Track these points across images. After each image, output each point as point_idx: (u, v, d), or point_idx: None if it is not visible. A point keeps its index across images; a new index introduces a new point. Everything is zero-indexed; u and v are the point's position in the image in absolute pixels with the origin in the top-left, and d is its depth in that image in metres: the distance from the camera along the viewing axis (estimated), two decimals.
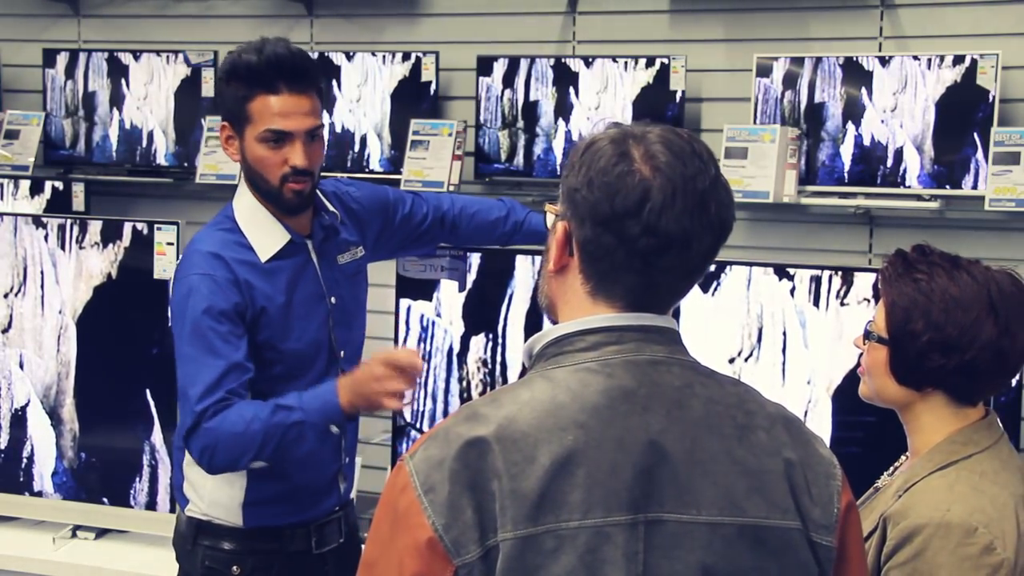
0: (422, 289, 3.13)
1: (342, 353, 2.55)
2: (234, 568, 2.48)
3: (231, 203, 2.51)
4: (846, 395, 2.65)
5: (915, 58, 3.58)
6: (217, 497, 2.49)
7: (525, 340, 3.05)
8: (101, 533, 3.52)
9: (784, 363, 2.80)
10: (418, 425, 3.12)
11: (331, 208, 2.58)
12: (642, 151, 1.39)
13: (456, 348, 3.16)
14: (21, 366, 3.57)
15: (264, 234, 2.46)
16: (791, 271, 2.82)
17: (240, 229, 2.46)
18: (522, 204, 2.92)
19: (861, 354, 2.03)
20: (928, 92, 3.57)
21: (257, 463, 2.36)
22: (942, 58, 3.53)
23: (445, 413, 3.04)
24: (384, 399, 2.32)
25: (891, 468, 2.07)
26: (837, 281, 2.77)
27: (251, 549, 2.49)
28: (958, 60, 3.51)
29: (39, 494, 3.55)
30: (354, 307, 2.62)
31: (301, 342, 2.47)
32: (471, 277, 3.06)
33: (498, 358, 3.11)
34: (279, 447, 2.32)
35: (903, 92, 3.60)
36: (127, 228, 3.45)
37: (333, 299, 2.53)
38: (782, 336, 2.82)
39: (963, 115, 3.53)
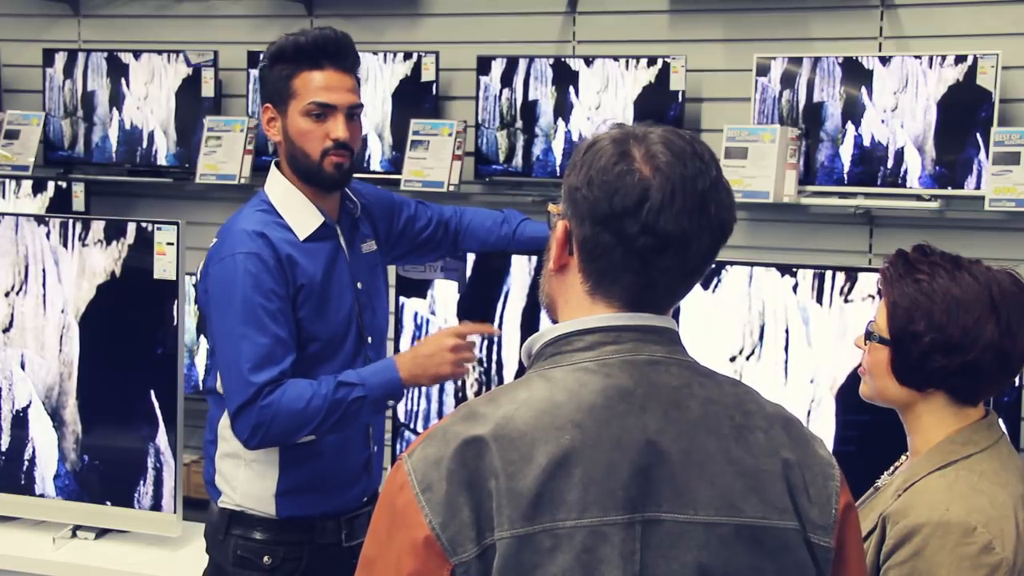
0: (417, 287, 3.13)
1: (369, 339, 2.61)
2: (265, 558, 2.51)
3: (263, 190, 2.57)
4: (850, 394, 2.65)
5: (916, 57, 3.58)
6: (250, 488, 2.52)
7: (521, 338, 3.07)
8: (101, 533, 3.51)
9: (786, 361, 2.80)
10: (412, 425, 3.12)
11: (353, 198, 2.64)
12: (643, 151, 1.40)
13: None
14: (23, 367, 3.57)
15: (300, 215, 2.51)
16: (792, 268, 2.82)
17: (276, 210, 2.51)
18: (519, 212, 2.93)
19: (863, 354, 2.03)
20: (929, 91, 3.57)
21: (307, 437, 2.43)
22: (944, 57, 3.53)
23: (440, 413, 3.04)
24: (452, 369, 2.48)
25: (891, 468, 2.07)
26: (841, 277, 2.76)
27: (282, 540, 2.52)
28: (960, 59, 3.51)
29: (41, 497, 3.54)
30: (377, 295, 2.68)
31: (335, 323, 2.52)
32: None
33: (494, 356, 3.11)
34: (338, 422, 2.42)
35: (904, 92, 3.60)
36: (131, 226, 3.45)
37: (360, 284, 2.59)
38: (784, 334, 2.81)
39: (964, 115, 3.53)
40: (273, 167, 2.58)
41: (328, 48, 2.48)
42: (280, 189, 2.54)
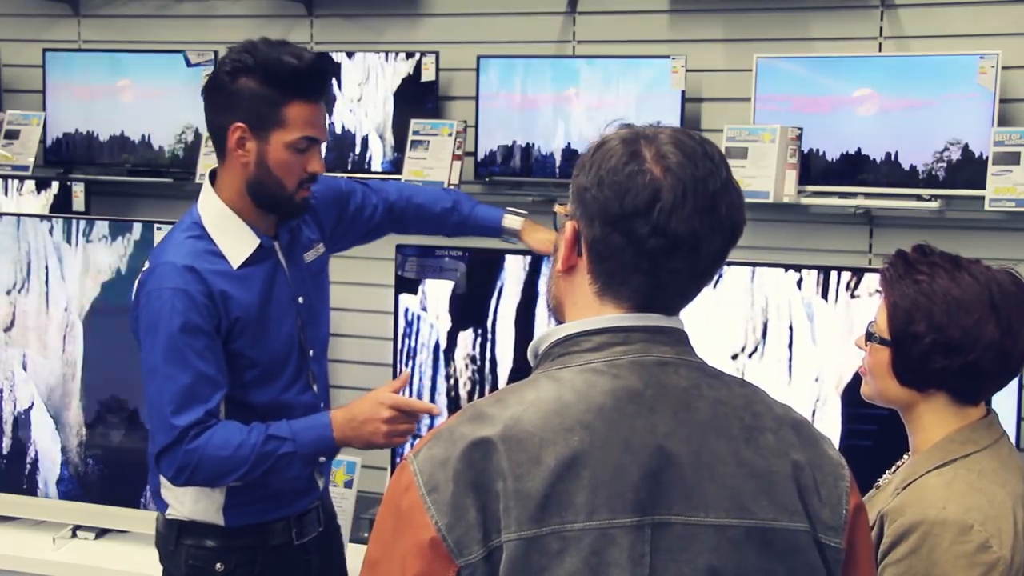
0: (407, 283, 3.12)
1: (311, 352, 2.56)
2: (218, 565, 2.48)
3: (195, 208, 2.46)
4: (856, 392, 2.65)
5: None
6: (196, 503, 2.49)
7: (516, 336, 3.06)
8: (101, 533, 3.52)
9: (791, 359, 2.79)
10: None
11: None
12: (653, 151, 1.39)
13: (443, 344, 3.15)
14: (24, 367, 3.56)
15: (234, 240, 2.42)
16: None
17: (209, 236, 2.42)
18: (469, 196, 2.91)
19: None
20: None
21: (235, 483, 2.40)
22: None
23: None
24: (385, 440, 2.39)
25: (893, 466, 2.07)
26: (846, 273, 2.75)
27: (234, 546, 2.49)
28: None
29: (42, 497, 3.54)
30: (319, 305, 2.62)
31: (275, 346, 2.47)
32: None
33: (487, 355, 3.10)
34: (265, 473, 2.36)
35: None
36: (136, 225, 3.45)
37: (301, 299, 2.53)
38: (788, 331, 2.80)
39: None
40: (208, 186, 2.47)
41: (326, 80, 2.44)
42: (214, 212, 2.43)
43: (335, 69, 2.45)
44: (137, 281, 2.44)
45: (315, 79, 2.38)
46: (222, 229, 2.42)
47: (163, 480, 2.50)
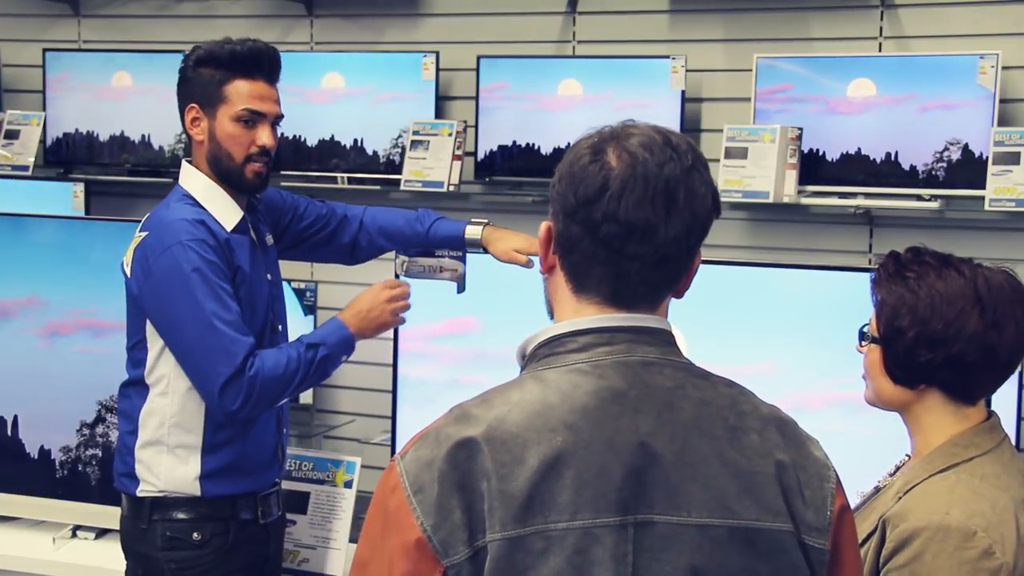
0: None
1: (279, 327, 2.74)
2: (194, 535, 2.60)
3: (179, 185, 2.67)
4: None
5: None
6: (172, 473, 2.60)
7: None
8: (101, 533, 3.51)
9: (790, 360, 2.79)
10: None
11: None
12: (615, 145, 1.41)
13: None
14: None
15: (223, 208, 2.62)
16: (792, 270, 2.81)
17: (201, 204, 2.61)
18: (434, 211, 2.94)
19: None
20: None
21: (283, 400, 2.61)
22: None
23: None
24: (392, 318, 2.71)
25: (892, 467, 2.07)
26: (842, 279, 2.75)
27: (208, 515, 2.61)
28: None
29: (41, 497, 3.54)
30: (280, 287, 2.81)
31: (258, 313, 2.64)
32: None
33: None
34: (307, 380, 2.60)
35: None
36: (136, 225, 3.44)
37: (270, 276, 2.72)
38: (785, 335, 2.80)
39: None
40: (186, 165, 2.69)
41: (262, 61, 2.62)
42: (200, 185, 2.63)
43: (278, 57, 2.67)
44: (135, 250, 2.57)
45: (253, 58, 2.60)
46: (211, 199, 2.62)
47: (138, 457, 2.61)
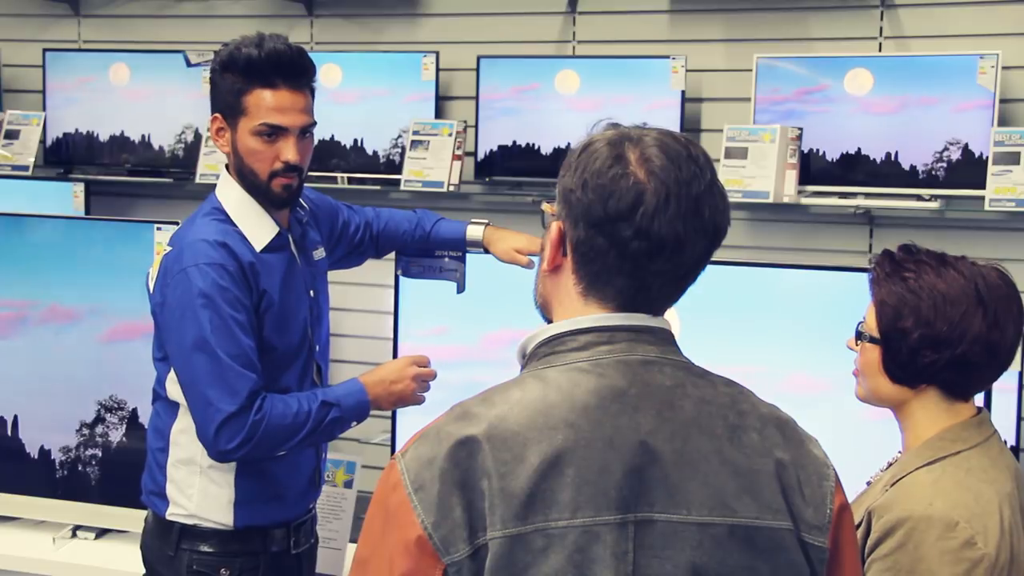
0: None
1: (317, 347, 2.59)
2: (223, 571, 2.47)
3: (214, 195, 2.50)
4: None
5: None
6: (205, 497, 2.48)
7: None
8: (101, 533, 3.51)
9: (789, 359, 2.79)
10: None
11: (303, 203, 2.61)
12: (638, 154, 1.40)
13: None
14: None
15: (255, 225, 2.45)
16: (791, 270, 2.81)
17: (231, 220, 2.45)
18: (432, 212, 2.93)
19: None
20: None
21: (280, 452, 2.43)
22: None
23: None
24: (414, 397, 2.56)
25: (885, 464, 2.08)
26: (842, 279, 2.75)
27: (238, 551, 2.49)
28: None
29: (41, 497, 3.54)
30: (325, 303, 2.66)
31: (292, 333, 2.49)
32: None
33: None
34: (310, 438, 2.44)
35: None
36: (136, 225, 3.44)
37: (312, 292, 2.56)
38: (782, 334, 2.80)
39: None
40: (224, 172, 2.51)
41: (282, 65, 2.39)
42: (234, 198, 2.46)
43: (303, 59, 2.43)
44: (160, 264, 2.45)
45: (272, 64, 2.38)
46: (243, 214, 2.45)
47: (170, 476, 2.49)
